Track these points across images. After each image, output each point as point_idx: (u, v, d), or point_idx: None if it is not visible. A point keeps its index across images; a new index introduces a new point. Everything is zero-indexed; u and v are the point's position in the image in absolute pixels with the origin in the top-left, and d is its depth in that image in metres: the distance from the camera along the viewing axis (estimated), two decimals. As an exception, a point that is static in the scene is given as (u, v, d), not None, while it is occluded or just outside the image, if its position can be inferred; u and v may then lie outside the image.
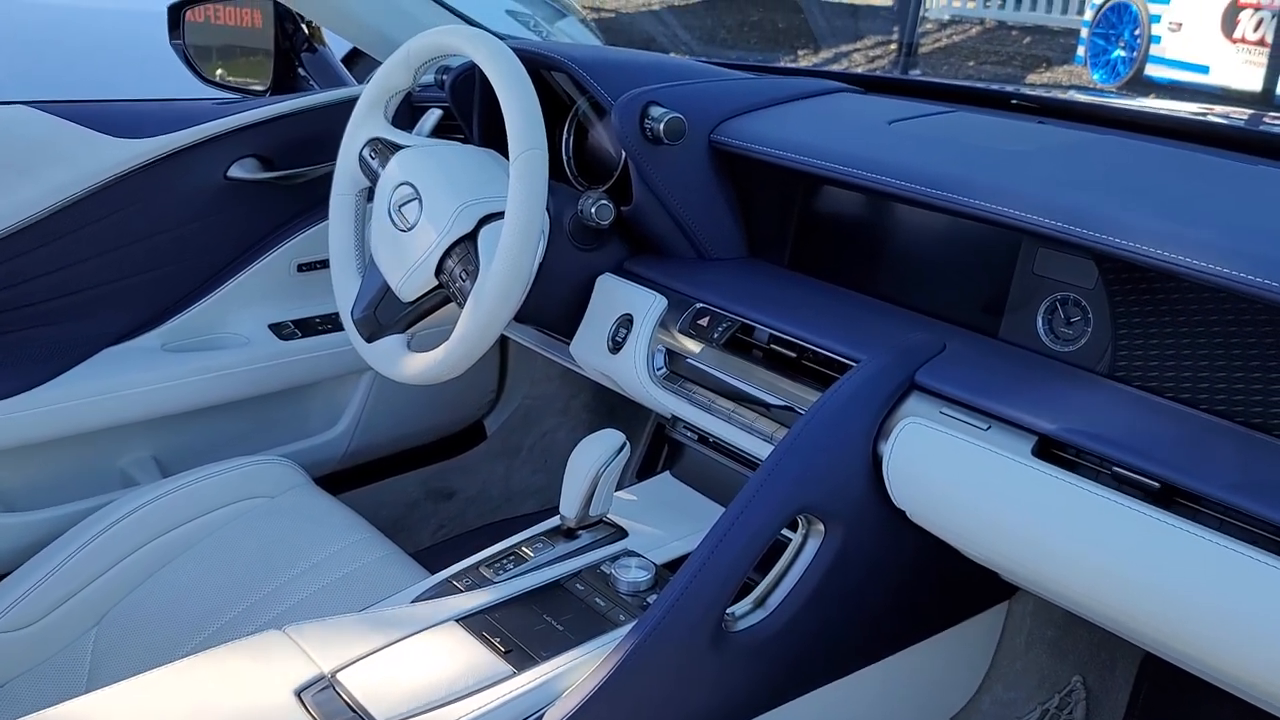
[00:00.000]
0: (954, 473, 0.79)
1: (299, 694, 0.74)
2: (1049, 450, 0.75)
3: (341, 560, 1.06)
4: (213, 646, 0.81)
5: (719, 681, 0.83)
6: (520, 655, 0.79)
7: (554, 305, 1.14)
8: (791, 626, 0.84)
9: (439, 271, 1.01)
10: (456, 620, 0.83)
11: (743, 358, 1.00)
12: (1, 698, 0.97)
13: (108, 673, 0.97)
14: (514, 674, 0.76)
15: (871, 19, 7.22)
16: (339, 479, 1.44)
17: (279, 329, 1.39)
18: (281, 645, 0.79)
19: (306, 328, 1.40)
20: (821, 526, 0.83)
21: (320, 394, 1.47)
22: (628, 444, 0.95)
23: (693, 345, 1.03)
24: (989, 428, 0.78)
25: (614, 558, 0.91)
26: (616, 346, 1.08)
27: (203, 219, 1.34)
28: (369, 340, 1.09)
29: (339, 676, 0.76)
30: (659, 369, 1.05)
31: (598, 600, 0.87)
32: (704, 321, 1.04)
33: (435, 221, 1.00)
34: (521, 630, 0.83)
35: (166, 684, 0.77)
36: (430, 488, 1.59)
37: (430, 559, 1.09)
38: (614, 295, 1.10)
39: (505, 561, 0.91)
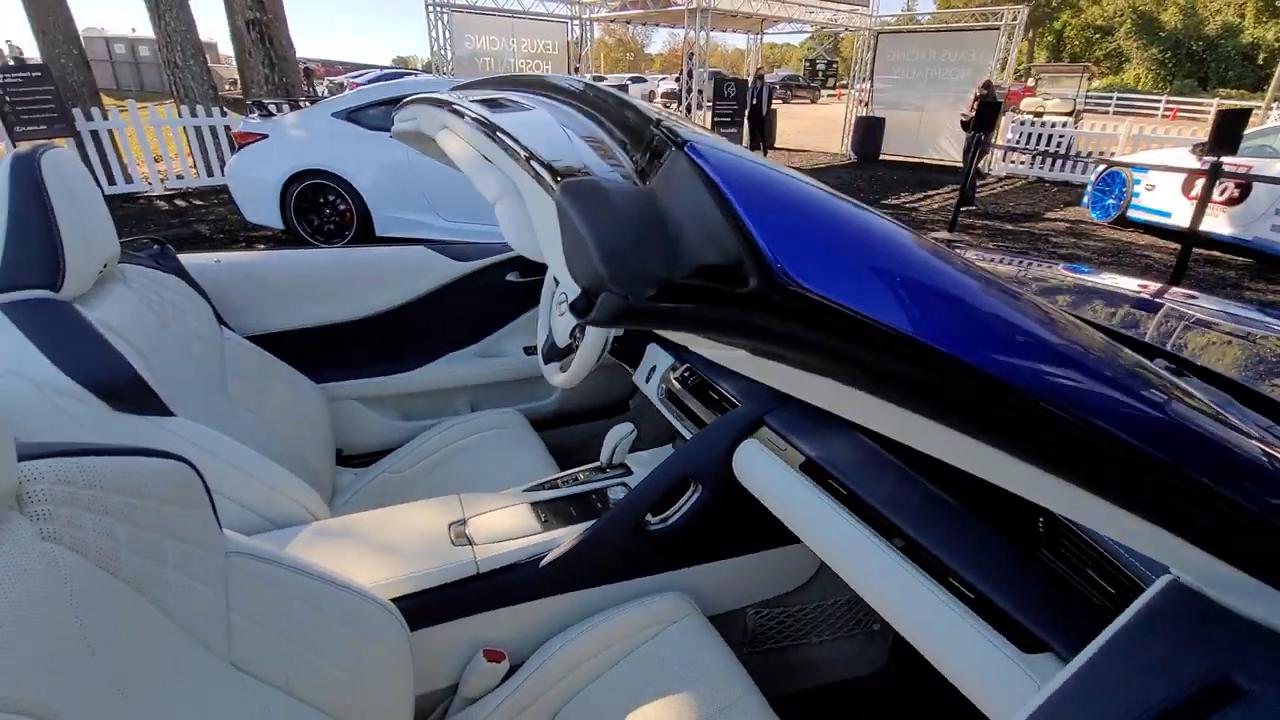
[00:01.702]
0: (762, 469, 1.12)
1: (449, 526, 1.12)
2: (809, 465, 1.04)
3: (519, 462, 1.60)
4: (463, 494, 1.21)
5: (638, 554, 1.17)
6: (549, 523, 1.15)
7: (630, 353, 1.67)
8: (677, 531, 1.17)
9: (571, 336, 1.49)
10: (529, 503, 1.21)
11: (693, 394, 1.42)
12: (392, 501, 1.32)
13: (438, 490, 1.33)
14: (542, 531, 1.13)
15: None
16: (545, 424, 1.97)
17: (528, 349, 2.05)
18: (453, 503, 1.18)
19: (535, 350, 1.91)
20: (700, 485, 1.18)
21: (544, 381, 1.91)
22: (635, 429, 1.33)
23: (676, 384, 1.48)
24: (785, 449, 1.11)
25: (611, 485, 1.29)
26: (646, 379, 1.60)
27: (494, 298, 1.99)
28: (545, 363, 1.60)
29: (469, 520, 1.13)
30: (662, 393, 1.53)
31: (598, 504, 1.23)
32: (686, 372, 1.48)
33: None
34: (555, 511, 1.19)
35: (400, 513, 1.15)
36: (593, 433, 2.02)
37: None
38: (653, 352, 1.61)
39: (569, 479, 1.30)
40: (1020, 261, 1.70)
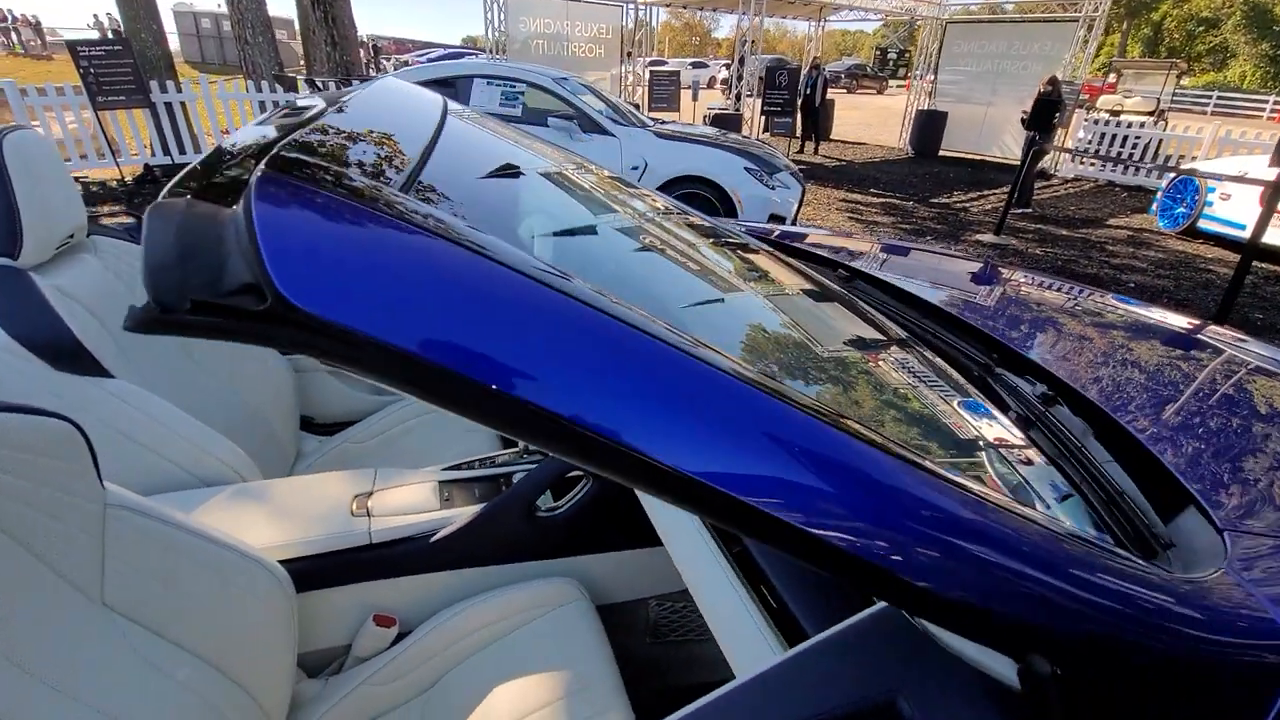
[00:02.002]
0: None
1: (354, 497, 1.18)
2: None
3: (468, 442, 1.64)
4: (380, 469, 1.28)
5: (529, 539, 1.22)
6: (450, 502, 1.21)
7: None
8: (568, 519, 1.23)
9: None
10: (437, 482, 1.26)
11: None
12: (349, 469, 1.42)
13: (393, 462, 1.56)
14: (440, 508, 1.20)
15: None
16: None
17: None
18: (367, 476, 1.26)
19: None
20: (589, 477, 1.24)
21: None
22: None
23: None
24: None
25: (519, 471, 1.30)
26: None
27: None
28: None
29: (375, 492, 1.20)
30: None
31: (502, 487, 1.27)
32: None
33: None
34: (460, 491, 1.24)
35: (315, 482, 1.22)
36: None
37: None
38: None
39: (488, 461, 1.34)
40: (1070, 289, 1.61)
